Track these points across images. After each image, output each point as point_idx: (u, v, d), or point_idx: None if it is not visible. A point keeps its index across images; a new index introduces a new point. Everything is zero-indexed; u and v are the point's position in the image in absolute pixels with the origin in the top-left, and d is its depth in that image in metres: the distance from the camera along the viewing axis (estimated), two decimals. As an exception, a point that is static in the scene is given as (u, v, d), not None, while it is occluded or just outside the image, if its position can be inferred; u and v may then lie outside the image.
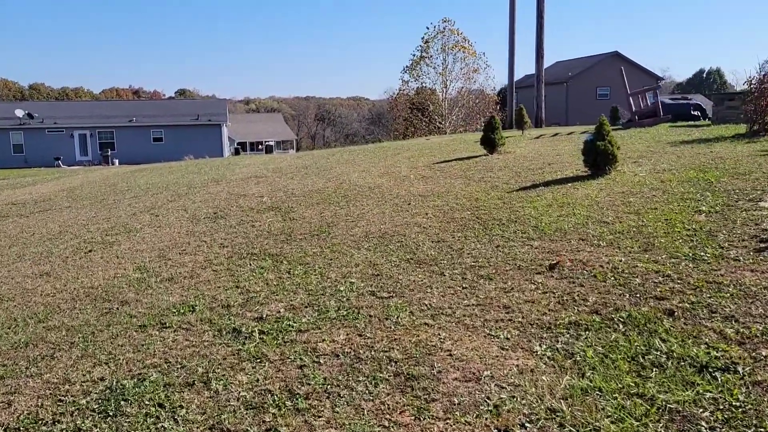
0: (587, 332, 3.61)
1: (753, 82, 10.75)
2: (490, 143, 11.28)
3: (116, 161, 46.73)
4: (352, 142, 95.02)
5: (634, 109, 14.19)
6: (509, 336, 3.68)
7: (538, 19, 27.22)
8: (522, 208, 6.65)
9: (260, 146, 79.31)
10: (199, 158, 42.75)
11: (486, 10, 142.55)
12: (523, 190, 7.65)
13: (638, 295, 4.02)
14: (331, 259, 5.74)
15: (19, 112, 48.37)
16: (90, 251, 7.54)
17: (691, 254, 4.62)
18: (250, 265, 5.94)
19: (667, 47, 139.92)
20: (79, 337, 4.47)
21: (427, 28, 55.15)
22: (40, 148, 47.65)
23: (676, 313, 3.69)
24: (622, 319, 3.71)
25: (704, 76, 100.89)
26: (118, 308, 5.09)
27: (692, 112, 16.17)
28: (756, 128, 10.42)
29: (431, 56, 54.65)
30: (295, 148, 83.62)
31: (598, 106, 57.85)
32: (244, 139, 77.82)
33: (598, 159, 7.71)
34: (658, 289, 4.06)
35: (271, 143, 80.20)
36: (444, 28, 53.62)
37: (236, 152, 62.49)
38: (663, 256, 4.66)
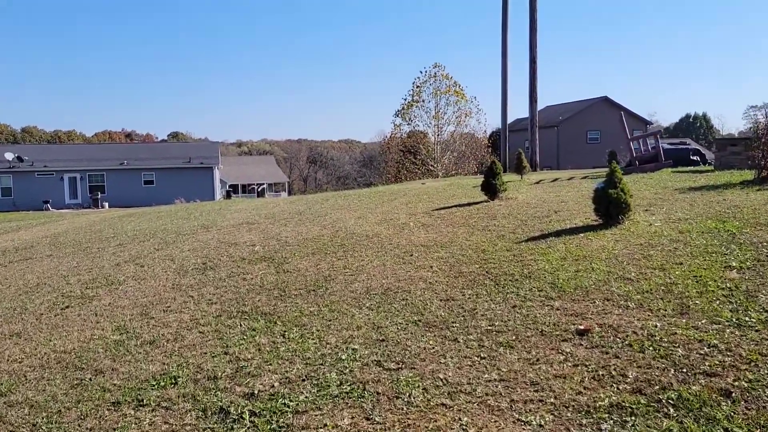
0: (633, 418, 3.10)
1: (760, 127, 10.49)
2: (491, 189, 10.89)
3: (106, 204, 46.21)
4: (344, 184, 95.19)
5: (635, 154, 13.92)
6: (543, 422, 3.16)
7: (531, 65, 27.39)
8: (534, 262, 6.19)
9: (252, 189, 79.11)
10: (190, 202, 42.27)
11: (476, 55, 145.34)
12: (532, 241, 7.20)
13: (685, 371, 3.52)
14: (329, 320, 5.21)
15: (9, 155, 47.93)
16: (67, 307, 6.97)
17: (734, 319, 4.15)
18: (241, 325, 5.40)
19: (652, 92, 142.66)
20: (42, 418, 3.90)
21: (420, 73, 55.61)
22: (30, 191, 47.09)
23: (733, 394, 3.20)
24: (671, 401, 3.20)
25: (691, 120, 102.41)
26: (91, 379, 4.52)
27: (691, 157, 15.96)
28: (765, 175, 10.11)
29: (423, 100, 55.17)
30: (287, 190, 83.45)
31: (588, 150, 58.34)
32: (236, 181, 77.62)
33: (611, 208, 7.30)
34: (707, 363, 3.57)
35: (264, 186, 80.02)
36: (435, 73, 54.25)
37: (228, 195, 62.11)
38: (702, 321, 4.18)
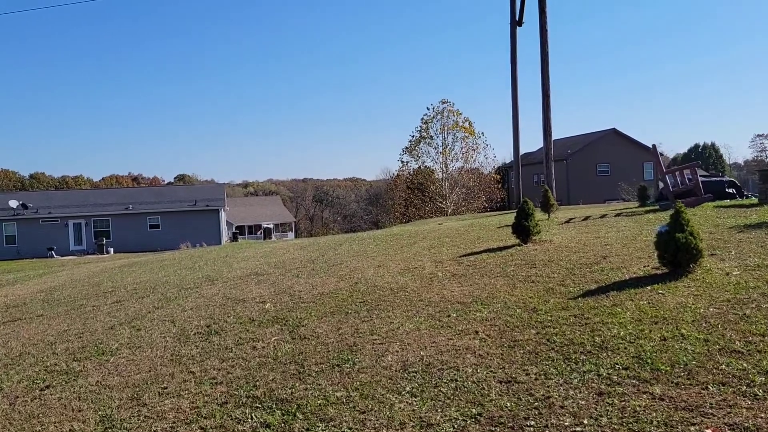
0: None
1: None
2: (523, 231, 9.89)
3: (111, 250, 45.43)
4: (350, 222, 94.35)
5: (671, 188, 12.94)
6: None
7: (544, 98, 26.68)
8: (604, 326, 5.13)
9: (259, 230, 78.35)
10: (195, 246, 41.41)
11: (482, 91, 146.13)
12: (590, 296, 6.15)
13: None
14: (363, 412, 4.16)
15: (13, 203, 47.43)
16: (47, 387, 5.93)
17: None
18: (252, 419, 4.34)
19: (657, 122, 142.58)
20: None
21: (428, 109, 55.34)
22: (34, 238, 46.42)
23: None
24: None
25: (700, 150, 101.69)
26: (58, 505, 3.48)
27: (727, 190, 14.95)
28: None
29: (431, 136, 54.69)
30: (294, 230, 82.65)
31: (598, 183, 57.34)
32: (243, 222, 76.96)
33: (679, 255, 6.27)
34: None
35: (270, 226, 79.27)
36: (443, 109, 53.97)
37: (234, 237, 61.35)
38: None
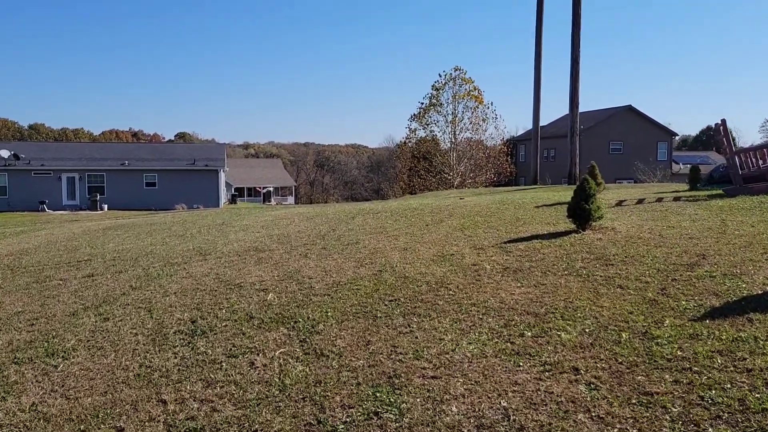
0: None
1: None
2: (582, 216, 8.15)
3: (105, 206, 43.72)
4: (351, 189, 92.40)
5: (740, 171, 11.15)
6: None
7: (573, 65, 24.64)
8: (779, 375, 3.43)
9: (258, 192, 76.60)
10: (191, 208, 39.69)
11: (490, 61, 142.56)
12: (721, 318, 4.44)
13: None
14: None
15: (5, 153, 45.44)
16: (-37, 409, 4.26)
17: None
18: None
19: (668, 103, 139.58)
20: None
21: (440, 75, 52.86)
22: (26, 190, 44.59)
23: None
24: None
25: (711, 132, 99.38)
26: None
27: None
28: None
29: (441, 104, 52.49)
30: (294, 194, 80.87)
31: (610, 160, 55.23)
32: (242, 184, 75.08)
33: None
34: None
35: (270, 189, 77.51)
36: (456, 76, 51.64)
37: (233, 199, 59.55)
38: None
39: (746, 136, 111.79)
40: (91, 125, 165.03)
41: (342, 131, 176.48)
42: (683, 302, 4.86)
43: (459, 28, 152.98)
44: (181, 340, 5.30)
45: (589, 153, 54.96)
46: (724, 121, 11.18)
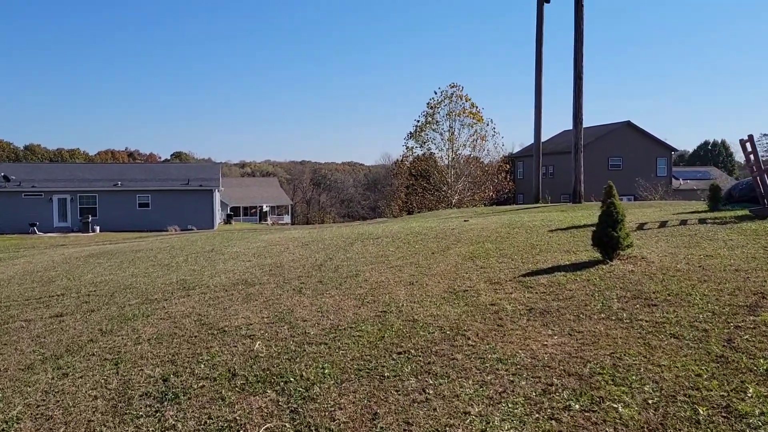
0: None
1: None
2: (610, 244, 7.27)
3: (97, 228, 42.78)
4: (348, 207, 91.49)
5: (763, 189, 10.31)
6: None
7: (576, 81, 23.94)
8: None
9: (255, 211, 75.68)
10: (185, 230, 38.75)
11: (487, 78, 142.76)
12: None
13: None
14: None
15: (-6, 174, 44.56)
16: None
17: None
18: None
19: (666, 119, 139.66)
20: None
21: (435, 93, 52.34)
22: (16, 213, 43.61)
23: None
24: None
25: (710, 147, 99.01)
26: None
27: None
28: None
29: (438, 122, 51.84)
30: (290, 213, 79.96)
31: (609, 177, 54.60)
32: (238, 203, 74.19)
33: None
34: None
35: (266, 209, 76.61)
36: (452, 93, 51.05)
37: (228, 219, 58.58)
38: None
39: (740, 150, 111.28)
40: (87, 145, 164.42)
41: (338, 149, 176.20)
42: (761, 360, 3.96)
43: (455, 41, 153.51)
44: (148, 408, 4.37)
45: (589, 169, 54.27)
46: (751, 137, 10.36)
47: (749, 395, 3.49)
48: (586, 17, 23.99)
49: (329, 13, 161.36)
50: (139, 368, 5.24)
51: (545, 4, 28.58)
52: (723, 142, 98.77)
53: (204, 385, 4.67)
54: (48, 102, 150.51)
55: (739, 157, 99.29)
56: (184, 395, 4.52)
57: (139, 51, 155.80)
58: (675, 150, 62.36)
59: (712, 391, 3.59)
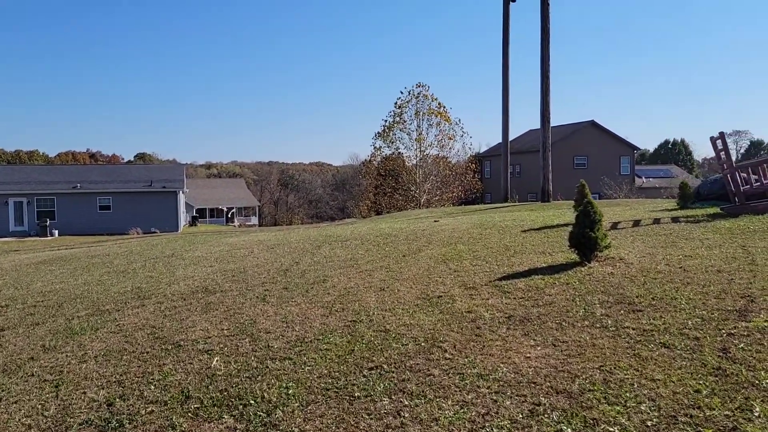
0: None
1: None
2: (588, 246, 6.99)
3: (56, 232, 41.29)
4: (316, 207, 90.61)
5: (742, 187, 10.22)
6: None
7: (543, 80, 23.90)
8: None
9: (221, 213, 74.36)
10: (147, 233, 37.63)
11: (456, 78, 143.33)
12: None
13: None
14: None
15: (-56, 177, 42.68)
16: None
17: None
18: None
19: (626, 116, 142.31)
20: None
21: (401, 93, 52.13)
22: (-31, 216, 41.89)
23: None
24: None
25: (669, 146, 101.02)
26: None
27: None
28: None
29: (405, 121, 51.60)
30: (258, 214, 78.81)
31: (575, 176, 55.05)
32: (204, 205, 72.80)
33: None
34: None
35: (233, 210, 75.36)
36: (419, 93, 50.85)
37: (193, 221, 57.36)
38: None
39: (699, 149, 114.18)
40: (47, 147, 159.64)
41: (306, 149, 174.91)
42: (762, 373, 3.67)
43: (420, 40, 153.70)
44: (87, 439, 3.87)
45: (555, 168, 54.74)
46: (722, 134, 10.26)
47: (756, 414, 3.18)
48: (552, 17, 23.96)
49: (296, 15, 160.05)
50: (82, 391, 4.71)
51: (511, 3, 28.54)
52: (682, 141, 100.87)
53: (153, 410, 4.19)
54: (5, 103, 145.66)
55: (698, 155, 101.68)
56: (129, 423, 4.03)
57: (101, 51, 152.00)
58: (637, 149, 63.37)
59: (714, 410, 3.28)
